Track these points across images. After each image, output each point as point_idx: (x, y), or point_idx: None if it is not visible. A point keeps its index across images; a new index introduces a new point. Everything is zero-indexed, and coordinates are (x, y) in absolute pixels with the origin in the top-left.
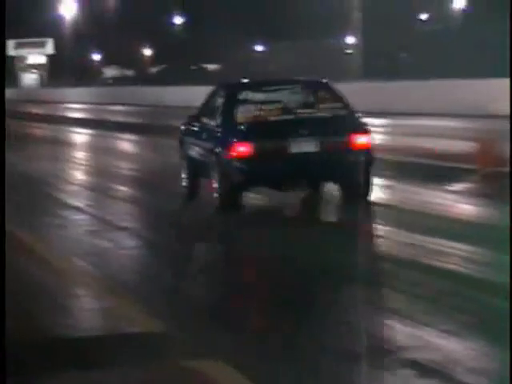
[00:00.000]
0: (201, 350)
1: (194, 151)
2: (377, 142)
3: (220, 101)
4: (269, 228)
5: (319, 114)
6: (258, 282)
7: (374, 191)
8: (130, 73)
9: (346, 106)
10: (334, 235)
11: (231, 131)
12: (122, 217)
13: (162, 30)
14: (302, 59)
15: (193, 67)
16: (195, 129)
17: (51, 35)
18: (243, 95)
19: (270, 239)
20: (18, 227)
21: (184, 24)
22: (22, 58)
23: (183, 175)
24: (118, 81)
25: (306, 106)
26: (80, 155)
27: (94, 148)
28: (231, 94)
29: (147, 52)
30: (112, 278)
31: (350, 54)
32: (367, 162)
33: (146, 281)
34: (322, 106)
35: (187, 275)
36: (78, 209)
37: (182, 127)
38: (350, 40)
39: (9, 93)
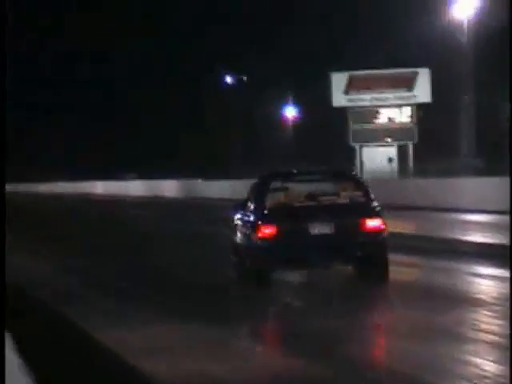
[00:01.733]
0: None
1: (237, 235)
2: None
3: (255, 190)
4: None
5: (338, 201)
6: None
7: None
8: None
9: (366, 193)
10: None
11: (259, 215)
12: None
13: None
14: None
15: None
16: (238, 215)
17: None
18: (274, 184)
19: None
20: None
21: None
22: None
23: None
24: None
25: (328, 193)
26: None
27: None
28: (263, 183)
29: None
30: None
31: None
32: (379, 244)
33: None
34: (343, 193)
35: None
36: None
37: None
38: None
39: None
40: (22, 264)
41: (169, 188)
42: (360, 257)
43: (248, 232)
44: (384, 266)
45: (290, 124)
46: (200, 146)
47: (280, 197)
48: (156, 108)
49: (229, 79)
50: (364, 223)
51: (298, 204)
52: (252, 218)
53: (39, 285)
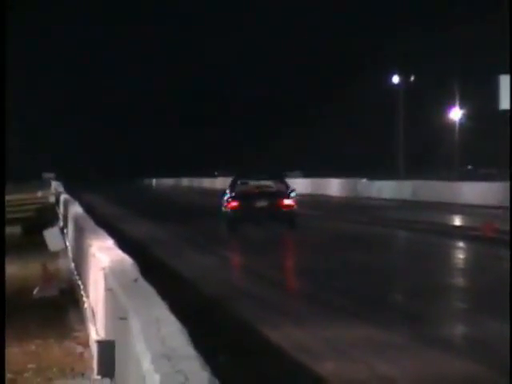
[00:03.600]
0: None
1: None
2: None
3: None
4: None
5: (270, 190)
6: None
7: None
8: None
9: (287, 186)
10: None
11: (230, 196)
12: None
13: None
14: None
15: None
16: (224, 197)
17: None
18: (240, 180)
19: None
20: None
21: None
22: None
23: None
24: None
25: (269, 183)
26: None
27: None
28: (234, 179)
29: None
30: None
31: None
32: (290, 212)
33: None
34: (274, 185)
35: None
36: None
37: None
38: None
39: None
40: None
41: (333, 186)
42: (279, 218)
43: (225, 205)
44: (291, 223)
45: (455, 125)
46: (363, 146)
47: (242, 187)
48: (322, 109)
49: (396, 79)
50: (282, 201)
51: (251, 191)
52: (226, 198)
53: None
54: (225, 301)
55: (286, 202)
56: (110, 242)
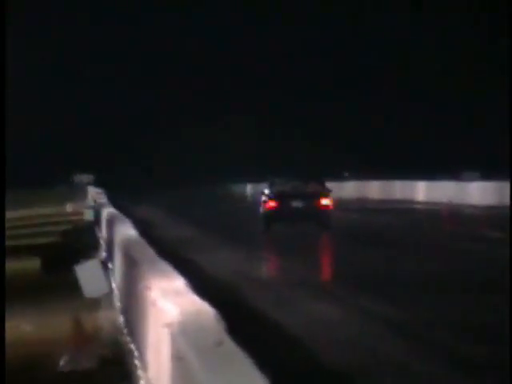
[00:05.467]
0: None
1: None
2: None
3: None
4: None
5: (307, 190)
6: None
7: None
8: None
9: (323, 186)
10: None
11: (269, 196)
12: None
13: None
14: None
15: None
16: (262, 198)
17: None
18: (277, 182)
19: None
20: None
21: None
22: None
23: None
24: None
25: (303, 187)
26: None
27: None
28: (272, 181)
29: None
30: None
31: None
32: (326, 211)
33: None
34: (311, 186)
35: None
36: None
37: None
38: None
39: None
40: None
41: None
42: (316, 217)
43: (263, 204)
44: (328, 223)
45: None
46: None
47: (280, 187)
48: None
49: None
50: (319, 201)
51: (288, 191)
52: (265, 198)
53: None
54: None
55: (324, 201)
56: (179, 283)
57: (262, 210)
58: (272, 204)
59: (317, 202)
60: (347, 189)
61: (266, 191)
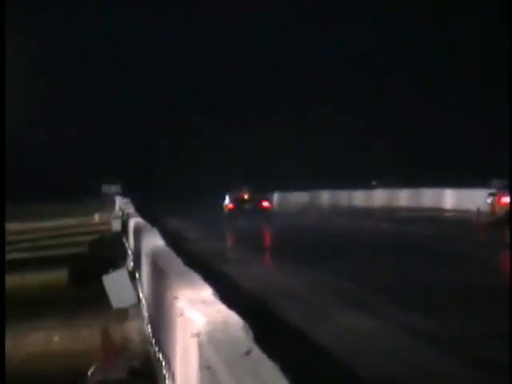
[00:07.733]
0: None
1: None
2: None
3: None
4: None
5: (256, 197)
6: None
7: None
8: None
9: (266, 192)
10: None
11: (229, 200)
12: None
13: None
14: None
15: None
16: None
17: None
18: (236, 189)
19: None
20: None
21: None
22: None
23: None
24: None
25: (253, 193)
26: None
27: None
28: (232, 189)
29: None
30: None
31: None
32: (267, 209)
33: None
34: (258, 193)
35: None
36: None
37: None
38: None
39: None
40: None
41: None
42: (260, 213)
43: (225, 207)
44: (268, 218)
45: None
46: None
47: (238, 194)
48: None
49: None
50: (261, 203)
51: (242, 197)
52: (226, 202)
53: None
54: None
55: (264, 203)
56: (207, 293)
57: (224, 210)
58: (230, 206)
59: (259, 204)
60: (375, 198)
61: (226, 198)
